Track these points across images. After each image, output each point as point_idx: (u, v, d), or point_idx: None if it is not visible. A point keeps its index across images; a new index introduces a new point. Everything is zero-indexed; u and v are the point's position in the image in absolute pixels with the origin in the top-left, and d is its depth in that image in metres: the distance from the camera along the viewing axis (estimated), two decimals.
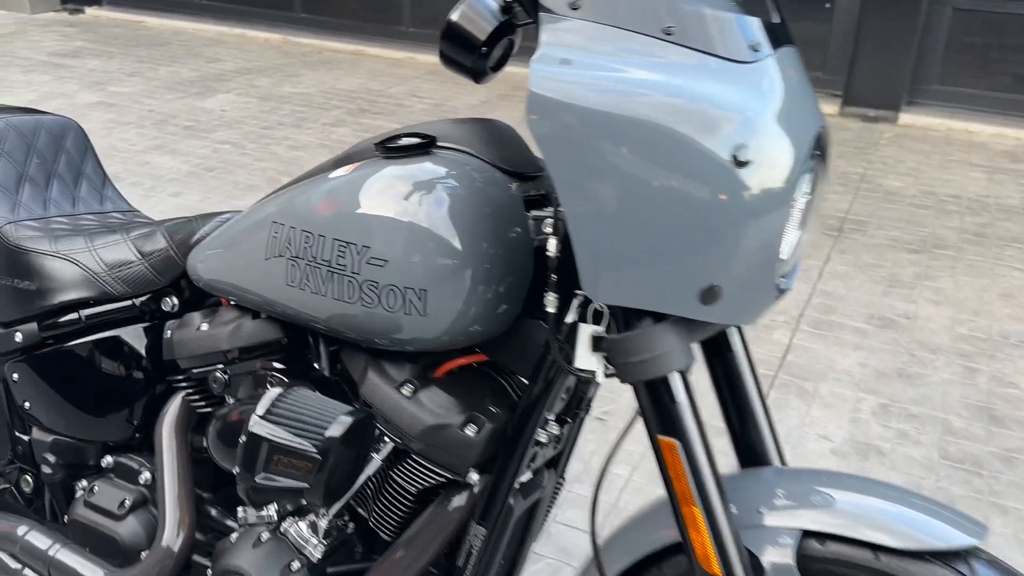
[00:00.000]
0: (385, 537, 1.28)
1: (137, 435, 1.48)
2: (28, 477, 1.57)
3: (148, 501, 1.45)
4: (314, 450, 1.03)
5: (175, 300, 1.43)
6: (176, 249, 1.40)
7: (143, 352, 1.43)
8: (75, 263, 1.45)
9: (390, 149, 1.12)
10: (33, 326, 1.48)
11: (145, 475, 1.45)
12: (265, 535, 1.28)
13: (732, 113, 0.89)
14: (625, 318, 1.00)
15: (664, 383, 0.99)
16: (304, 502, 1.14)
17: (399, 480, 1.23)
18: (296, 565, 1.26)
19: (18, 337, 1.49)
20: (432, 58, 6.84)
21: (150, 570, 1.33)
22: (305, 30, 7.64)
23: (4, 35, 7.29)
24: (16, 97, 5.50)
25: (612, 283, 0.94)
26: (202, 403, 1.39)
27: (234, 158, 4.64)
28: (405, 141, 1.13)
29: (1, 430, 1.58)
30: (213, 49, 7.16)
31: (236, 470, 1.07)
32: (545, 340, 1.16)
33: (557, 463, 1.35)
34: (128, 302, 1.44)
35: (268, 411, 1.06)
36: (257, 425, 1.05)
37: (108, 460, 1.49)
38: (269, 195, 1.28)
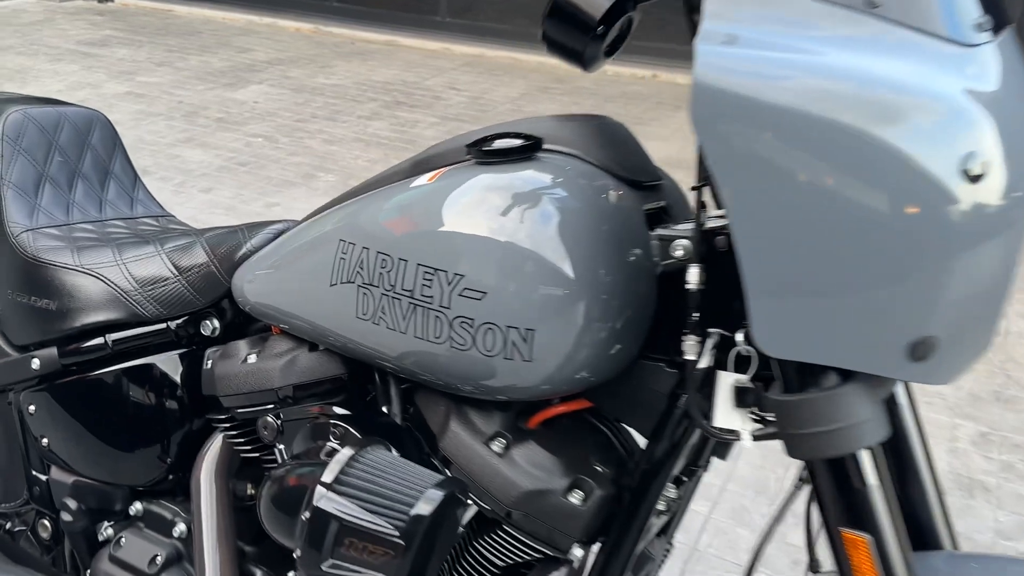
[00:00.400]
0: None
1: (170, 477, 1.27)
2: (46, 522, 1.37)
3: (183, 557, 1.25)
4: (396, 533, 0.82)
5: (216, 323, 1.22)
6: (219, 265, 1.19)
7: (179, 382, 1.23)
8: (101, 279, 1.24)
9: (487, 153, 0.90)
10: (52, 352, 1.27)
11: (180, 527, 1.25)
12: None
13: (959, 112, 0.66)
14: (800, 374, 0.77)
15: (853, 462, 0.77)
16: None
17: (484, 551, 1.02)
18: None
19: (35, 364, 1.29)
20: (469, 49, 6.62)
21: None
22: (337, 19, 7.44)
23: (32, 23, 7.15)
24: (43, 87, 5.34)
25: (794, 332, 0.72)
26: (247, 447, 1.18)
27: (267, 152, 4.45)
28: (504, 143, 0.92)
29: (15, 467, 1.39)
30: (244, 38, 6.97)
31: (297, 553, 0.86)
32: (671, 390, 0.94)
33: (667, 528, 1.13)
34: (162, 325, 1.23)
35: (338, 479, 0.84)
36: (324, 499, 0.83)
37: (137, 507, 1.29)
38: (332, 204, 1.07)
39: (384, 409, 1.07)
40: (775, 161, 0.68)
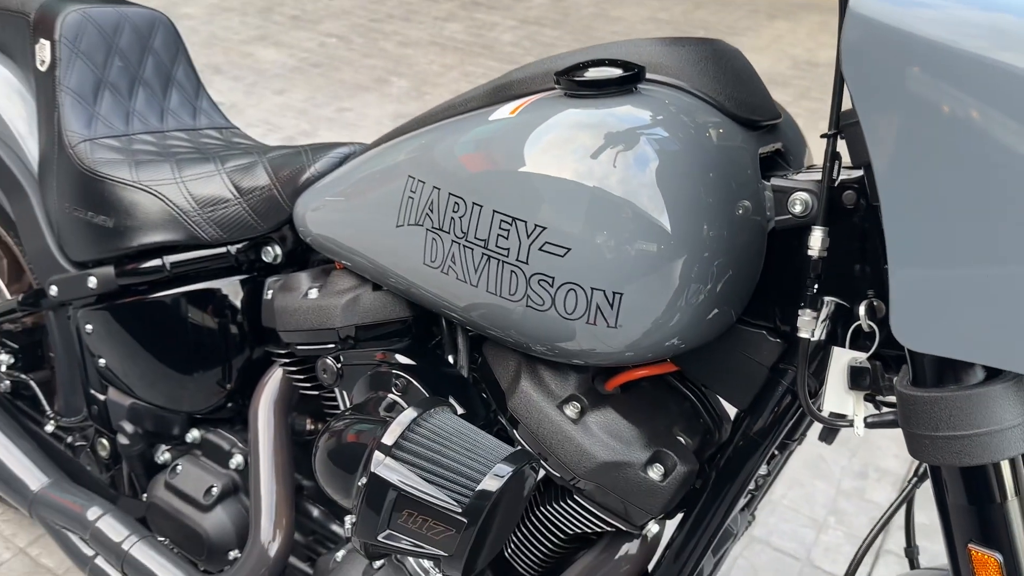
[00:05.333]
0: (522, 573, 1.00)
1: (228, 406, 1.23)
2: (104, 441, 1.35)
3: (239, 489, 1.21)
4: (459, 509, 0.74)
5: (278, 251, 1.15)
6: (281, 189, 1.10)
7: (238, 309, 1.17)
8: (160, 198, 1.17)
9: (580, 84, 0.78)
10: (109, 270, 1.22)
11: (237, 458, 1.21)
12: (378, 561, 1.02)
13: None
14: (937, 367, 0.66)
15: (991, 472, 0.66)
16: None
17: (551, 517, 0.95)
18: None
19: (91, 282, 1.24)
20: None
21: None
22: None
23: None
24: None
25: (942, 320, 0.60)
26: (307, 384, 1.12)
27: (341, 53, 4.33)
28: (599, 72, 0.79)
29: (75, 382, 1.37)
30: None
31: (351, 519, 0.80)
32: (773, 362, 0.83)
33: (751, 501, 1.04)
34: (222, 249, 1.16)
35: (398, 444, 0.77)
36: (383, 466, 0.76)
37: (194, 434, 1.25)
38: (403, 130, 0.97)
39: (449, 359, 1.00)
40: (938, 106, 0.56)
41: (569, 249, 0.75)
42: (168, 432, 1.27)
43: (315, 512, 1.18)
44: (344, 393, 1.04)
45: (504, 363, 0.93)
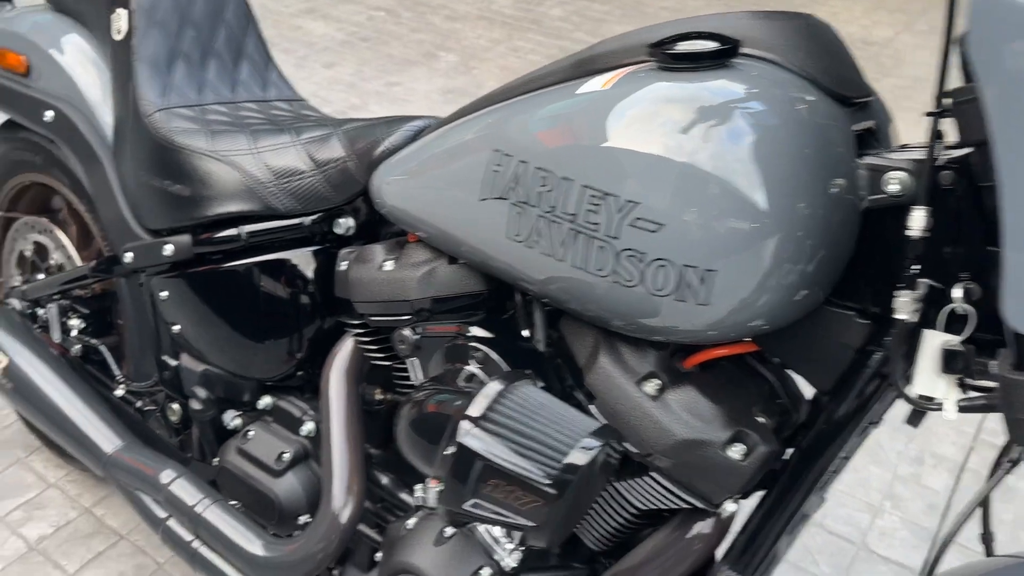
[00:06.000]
0: (590, 546, 1.01)
1: (299, 374, 1.25)
2: (175, 406, 1.38)
3: (309, 456, 1.23)
4: (547, 481, 0.75)
5: (351, 222, 1.16)
6: (356, 161, 1.11)
7: (310, 280, 1.18)
8: (236, 168, 1.19)
9: (675, 57, 0.77)
10: (186, 239, 1.24)
11: (308, 425, 1.22)
12: (449, 529, 1.04)
13: None
14: None
15: None
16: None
17: (626, 492, 0.95)
18: (486, 573, 1.02)
19: (168, 250, 1.26)
20: None
21: (313, 546, 1.11)
22: None
23: None
24: None
25: None
26: (379, 355, 1.13)
27: (389, 27, 4.33)
28: (694, 45, 0.78)
29: (146, 348, 1.39)
30: None
31: (435, 487, 0.81)
32: (861, 345, 0.83)
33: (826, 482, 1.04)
34: (296, 220, 1.18)
35: (485, 416, 0.78)
36: (470, 436, 0.77)
37: (266, 401, 1.27)
38: (482, 103, 0.96)
39: (525, 332, 1.00)
40: None
41: (662, 225, 0.75)
42: (239, 398, 1.29)
43: (384, 480, 1.19)
44: (419, 364, 1.05)
45: (582, 338, 0.93)
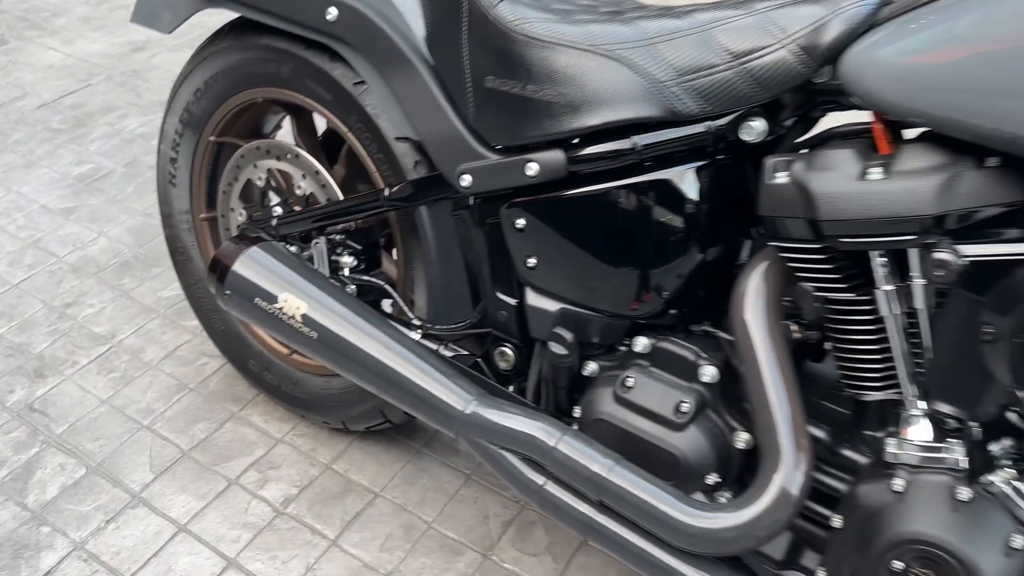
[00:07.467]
0: None
1: (671, 311, 1.06)
2: (506, 349, 1.19)
3: (709, 405, 1.05)
4: None
5: (763, 125, 0.96)
6: (796, 47, 0.90)
7: (695, 199, 1.00)
8: (626, 63, 0.98)
9: None
10: (558, 155, 1.04)
11: (709, 370, 1.04)
12: (964, 492, 0.87)
13: None
14: None
15: None
16: None
17: None
18: (1019, 542, 0.85)
19: (531, 170, 1.06)
20: None
21: (769, 513, 0.93)
22: None
23: None
24: None
25: None
26: (840, 284, 0.93)
27: None
28: None
29: (454, 287, 1.21)
30: None
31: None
32: None
33: None
34: (701, 126, 0.97)
35: None
36: None
37: (643, 343, 1.08)
38: None
39: None
40: None
41: None
42: (606, 341, 1.11)
43: (819, 434, 1.02)
44: (922, 293, 0.87)
45: None
